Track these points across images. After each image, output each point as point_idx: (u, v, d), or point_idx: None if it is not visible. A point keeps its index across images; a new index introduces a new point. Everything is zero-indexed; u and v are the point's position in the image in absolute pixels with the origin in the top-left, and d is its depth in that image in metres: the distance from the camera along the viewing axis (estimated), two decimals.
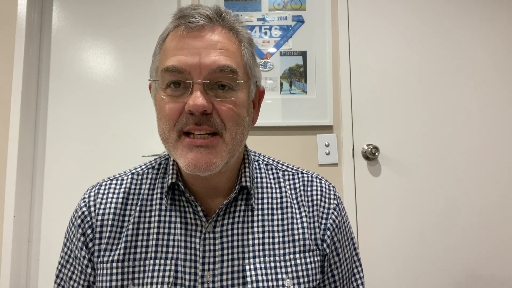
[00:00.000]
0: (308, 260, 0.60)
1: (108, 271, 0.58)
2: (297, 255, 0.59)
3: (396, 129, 1.64)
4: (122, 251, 0.58)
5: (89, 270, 0.60)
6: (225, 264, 0.57)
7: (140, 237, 0.59)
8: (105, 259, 0.59)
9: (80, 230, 0.61)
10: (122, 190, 0.63)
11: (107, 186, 0.64)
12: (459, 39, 1.68)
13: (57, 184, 1.65)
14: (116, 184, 0.64)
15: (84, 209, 0.62)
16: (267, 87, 1.68)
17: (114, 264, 0.58)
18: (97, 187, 0.64)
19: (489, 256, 1.56)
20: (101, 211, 0.61)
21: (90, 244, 0.60)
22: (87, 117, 1.68)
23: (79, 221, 0.62)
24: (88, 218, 0.61)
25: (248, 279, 0.56)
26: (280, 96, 1.66)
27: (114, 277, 0.57)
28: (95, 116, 1.68)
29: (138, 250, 0.58)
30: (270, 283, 0.57)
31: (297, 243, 0.60)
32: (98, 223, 0.60)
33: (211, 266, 0.57)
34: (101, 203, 0.62)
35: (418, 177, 1.61)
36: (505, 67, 1.66)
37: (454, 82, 1.65)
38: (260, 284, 0.56)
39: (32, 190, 1.65)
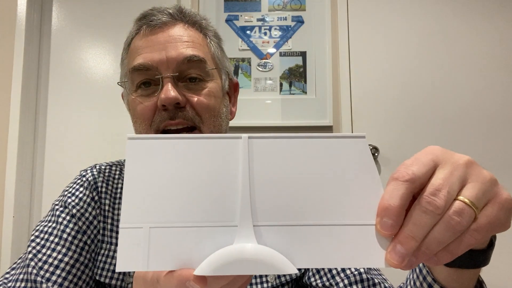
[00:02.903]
0: None
1: (111, 253, 0.57)
2: None
3: (395, 130, 1.64)
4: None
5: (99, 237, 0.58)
6: None
7: None
8: (106, 239, 0.58)
9: (90, 194, 0.59)
10: (122, 176, 0.63)
11: (108, 169, 0.63)
12: (459, 38, 1.68)
13: (57, 184, 1.65)
14: (116, 170, 0.64)
15: (90, 179, 0.61)
16: (266, 87, 1.68)
17: (113, 247, 0.57)
18: (98, 168, 0.63)
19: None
20: (104, 189, 0.60)
21: (100, 217, 0.58)
22: (87, 117, 1.68)
23: (86, 184, 0.60)
24: (97, 191, 0.60)
25: None
26: (279, 96, 1.66)
27: (114, 261, 0.56)
28: (95, 116, 1.68)
29: None
30: (253, 280, 0.56)
31: None
32: (102, 200, 0.60)
33: None
34: (103, 181, 0.61)
35: None
36: (506, 67, 1.66)
37: (454, 82, 1.66)
38: None
39: (32, 190, 1.65)
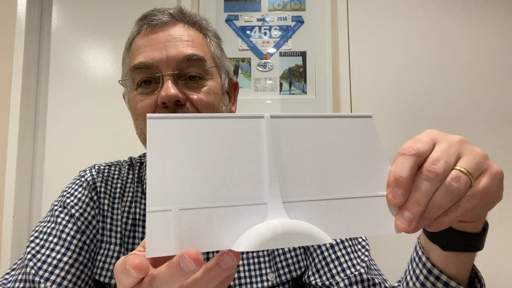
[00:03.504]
0: (286, 249, 0.58)
1: (110, 253, 0.57)
2: None
3: (395, 130, 1.64)
4: (119, 235, 0.58)
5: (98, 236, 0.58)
6: None
7: (137, 228, 0.59)
8: (105, 239, 0.58)
9: (89, 194, 0.59)
10: (121, 176, 0.63)
11: (107, 169, 0.64)
12: (459, 38, 1.68)
13: (57, 184, 1.65)
14: (115, 170, 0.64)
15: (89, 179, 0.61)
16: (266, 87, 1.68)
17: (112, 247, 0.57)
18: (97, 168, 0.64)
19: (489, 254, 1.56)
20: (102, 189, 0.61)
21: (99, 217, 0.59)
22: (87, 117, 1.68)
23: (85, 184, 0.60)
24: (96, 191, 0.60)
25: None
26: (279, 96, 1.66)
27: (113, 261, 0.56)
28: (95, 116, 1.68)
29: (136, 241, 0.58)
30: (253, 279, 0.56)
31: None
32: (101, 200, 0.60)
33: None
34: (102, 181, 0.61)
35: None
36: (506, 67, 1.66)
37: (454, 82, 1.66)
38: (243, 280, 0.55)
39: (32, 191, 1.65)
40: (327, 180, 0.30)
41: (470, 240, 0.38)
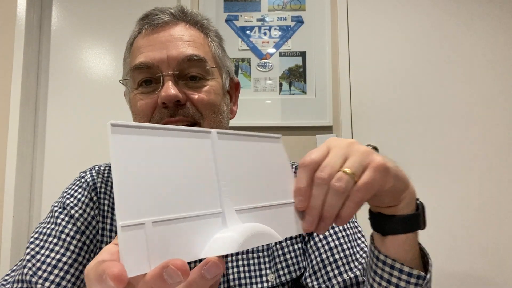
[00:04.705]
0: (286, 250, 0.58)
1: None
2: (277, 246, 0.58)
3: (395, 130, 1.64)
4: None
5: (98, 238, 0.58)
6: None
7: None
8: (105, 239, 0.58)
9: (89, 195, 0.59)
10: None
11: (107, 170, 0.63)
12: (459, 38, 1.68)
13: (57, 184, 1.65)
14: None
15: (89, 180, 0.61)
16: (266, 87, 1.68)
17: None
18: (96, 169, 0.63)
19: (489, 254, 1.56)
20: (102, 190, 0.61)
21: (99, 218, 0.59)
22: (86, 117, 1.68)
23: (84, 185, 0.60)
24: (96, 192, 0.60)
25: (230, 276, 0.56)
26: (279, 96, 1.66)
27: None
28: (94, 116, 1.68)
29: None
30: (253, 280, 0.56)
31: None
32: (101, 201, 0.60)
33: (196, 264, 0.56)
34: (101, 182, 0.61)
35: (418, 178, 1.61)
36: (506, 66, 1.66)
37: (454, 82, 1.66)
38: (243, 281, 0.55)
39: (31, 190, 1.65)
40: (259, 189, 0.35)
41: (404, 221, 0.40)
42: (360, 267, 0.55)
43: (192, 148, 0.31)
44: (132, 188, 0.26)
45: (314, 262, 0.56)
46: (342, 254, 0.56)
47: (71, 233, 0.55)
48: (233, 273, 0.56)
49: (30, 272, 0.51)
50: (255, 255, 0.57)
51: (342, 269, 0.55)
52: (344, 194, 0.34)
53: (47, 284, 0.51)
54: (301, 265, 0.58)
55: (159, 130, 0.30)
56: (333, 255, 0.56)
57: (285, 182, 0.37)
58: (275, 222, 0.34)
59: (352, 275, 0.54)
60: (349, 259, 0.55)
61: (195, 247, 0.28)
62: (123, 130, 0.27)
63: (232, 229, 0.30)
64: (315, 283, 0.55)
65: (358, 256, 0.56)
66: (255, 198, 0.34)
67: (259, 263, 0.57)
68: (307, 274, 0.57)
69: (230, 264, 0.56)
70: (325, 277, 0.55)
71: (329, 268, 0.55)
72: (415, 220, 0.41)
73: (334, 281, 0.54)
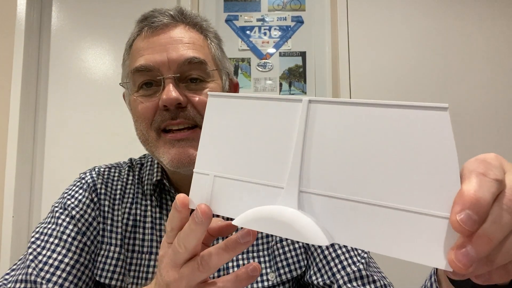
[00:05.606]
0: (286, 249, 0.58)
1: (111, 254, 0.57)
2: (277, 245, 0.58)
3: None
4: (119, 237, 0.58)
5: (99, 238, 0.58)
6: None
7: (138, 229, 0.59)
8: (105, 240, 0.58)
9: (89, 196, 0.60)
10: (121, 178, 0.63)
11: (107, 171, 0.64)
12: (459, 38, 1.68)
13: (56, 184, 1.65)
14: (115, 172, 0.65)
15: (89, 181, 0.61)
16: (266, 87, 1.68)
17: (112, 248, 0.57)
18: (97, 170, 0.64)
19: None
20: (103, 191, 0.61)
21: (100, 219, 0.59)
22: (86, 117, 1.68)
23: (85, 186, 0.61)
24: (96, 193, 0.61)
25: None
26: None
27: (114, 262, 0.56)
28: (94, 116, 1.68)
29: (137, 242, 0.58)
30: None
31: None
32: (101, 202, 0.60)
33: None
34: (102, 183, 0.62)
35: None
36: (506, 66, 1.66)
37: (454, 82, 1.66)
38: None
39: (31, 191, 1.65)
40: (362, 179, 0.26)
41: None
42: (363, 261, 0.55)
43: (275, 115, 0.30)
44: (210, 145, 0.33)
45: (318, 259, 0.57)
46: (344, 249, 0.56)
47: (72, 234, 0.56)
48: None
49: (35, 273, 0.52)
50: (255, 254, 0.57)
51: (345, 263, 0.55)
52: None
53: (50, 285, 0.51)
54: (302, 263, 0.58)
55: (250, 98, 0.32)
56: (335, 250, 0.56)
57: (429, 182, 0.25)
58: (377, 230, 0.25)
59: (355, 268, 0.54)
60: (351, 253, 0.56)
61: (237, 209, 0.31)
62: (218, 95, 0.33)
63: (267, 208, 0.29)
64: (320, 279, 0.55)
65: (359, 251, 0.57)
66: (349, 188, 0.26)
67: (259, 262, 0.57)
68: (311, 272, 0.57)
69: (230, 264, 0.57)
70: (329, 273, 0.55)
71: (332, 264, 0.55)
72: None
73: (338, 276, 0.54)
